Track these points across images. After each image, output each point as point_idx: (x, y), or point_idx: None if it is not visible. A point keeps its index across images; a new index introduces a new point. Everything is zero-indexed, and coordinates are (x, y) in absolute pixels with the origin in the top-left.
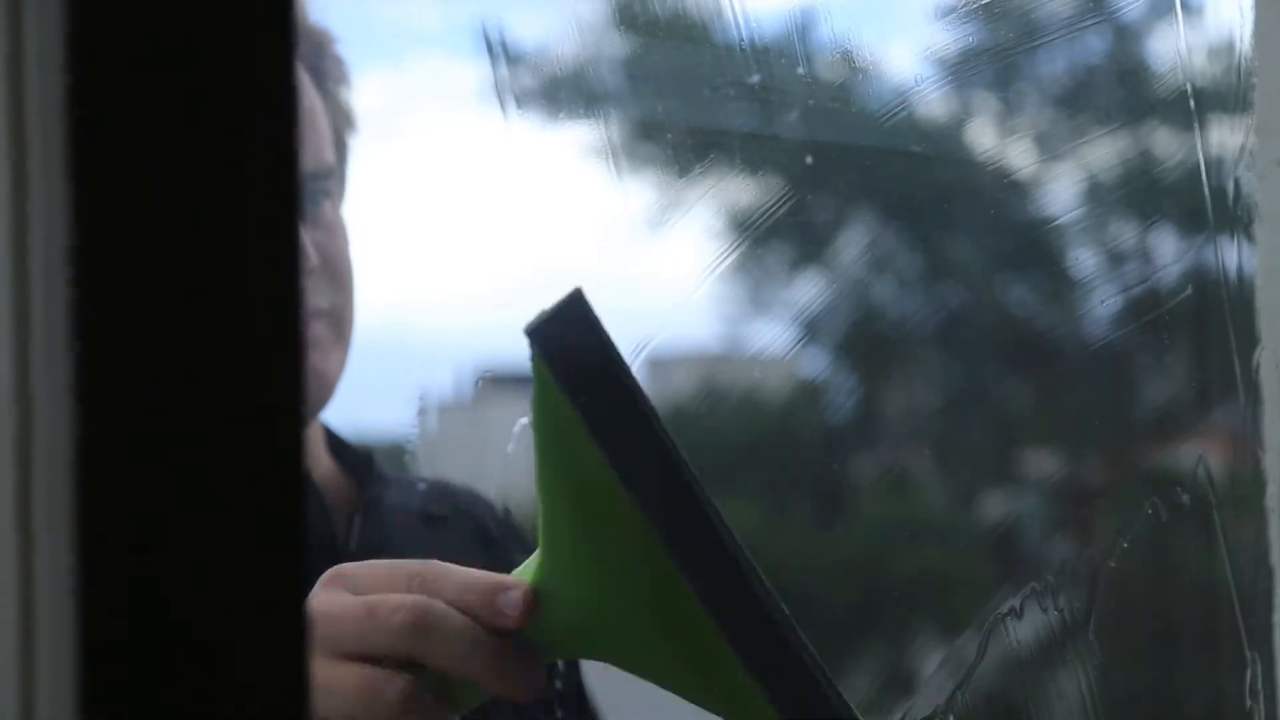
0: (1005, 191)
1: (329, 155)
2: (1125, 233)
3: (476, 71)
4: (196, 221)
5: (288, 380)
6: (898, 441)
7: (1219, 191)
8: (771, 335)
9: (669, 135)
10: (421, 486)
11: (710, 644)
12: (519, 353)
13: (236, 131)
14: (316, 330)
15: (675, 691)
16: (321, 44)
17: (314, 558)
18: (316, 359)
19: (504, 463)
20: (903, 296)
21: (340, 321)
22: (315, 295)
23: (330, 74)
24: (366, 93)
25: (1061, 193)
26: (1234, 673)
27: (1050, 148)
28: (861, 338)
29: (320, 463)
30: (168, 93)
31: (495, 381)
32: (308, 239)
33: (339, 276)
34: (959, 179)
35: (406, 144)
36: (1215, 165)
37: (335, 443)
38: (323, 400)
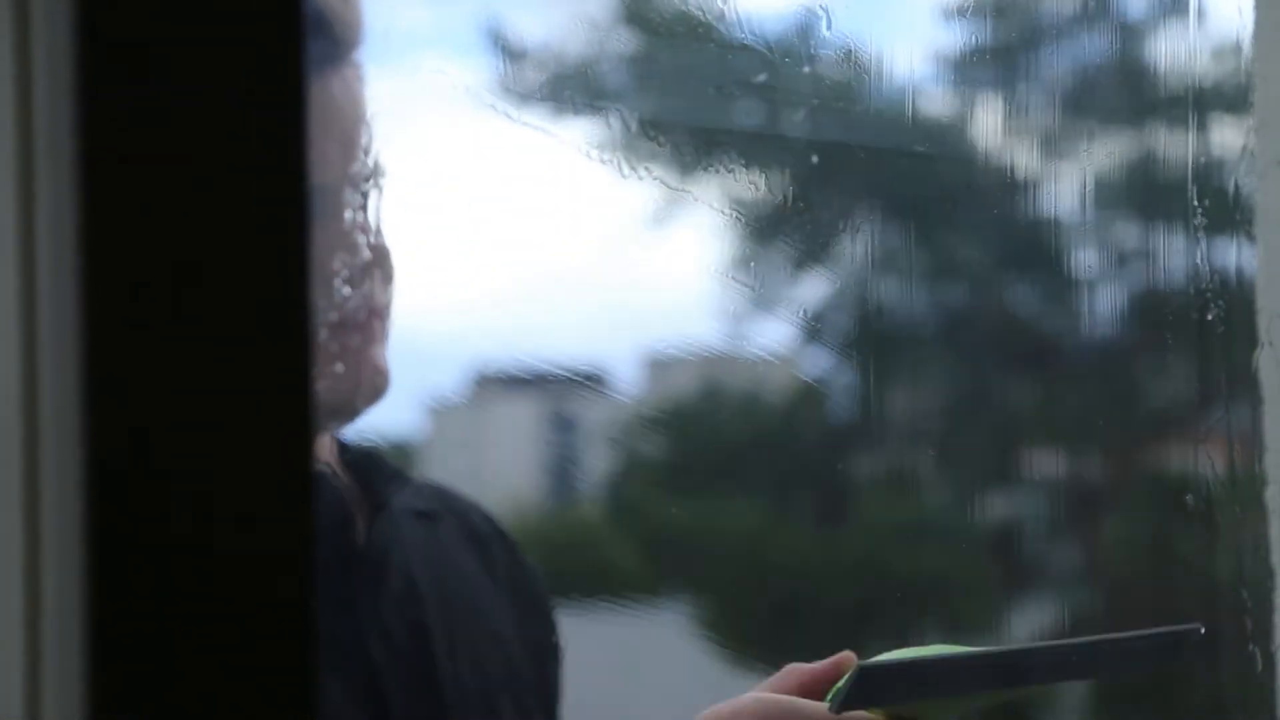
0: (1008, 191)
1: (373, 156)
2: (1127, 233)
3: (479, 70)
4: (205, 214)
5: (298, 376)
6: (901, 441)
7: (1219, 191)
8: (775, 335)
9: (673, 134)
10: (416, 484)
11: None
12: (519, 353)
13: (246, 129)
14: (375, 327)
15: None
16: (348, 45)
17: (333, 558)
18: (376, 354)
19: (504, 463)
20: (906, 296)
21: (389, 317)
22: (376, 294)
23: (352, 76)
24: (369, 94)
25: (1064, 193)
26: (1235, 672)
27: (1053, 148)
28: (865, 337)
29: (334, 468)
30: (175, 93)
31: (495, 381)
32: (361, 240)
33: (388, 274)
34: (963, 179)
35: (406, 144)
36: (1215, 165)
37: (343, 447)
38: (383, 391)
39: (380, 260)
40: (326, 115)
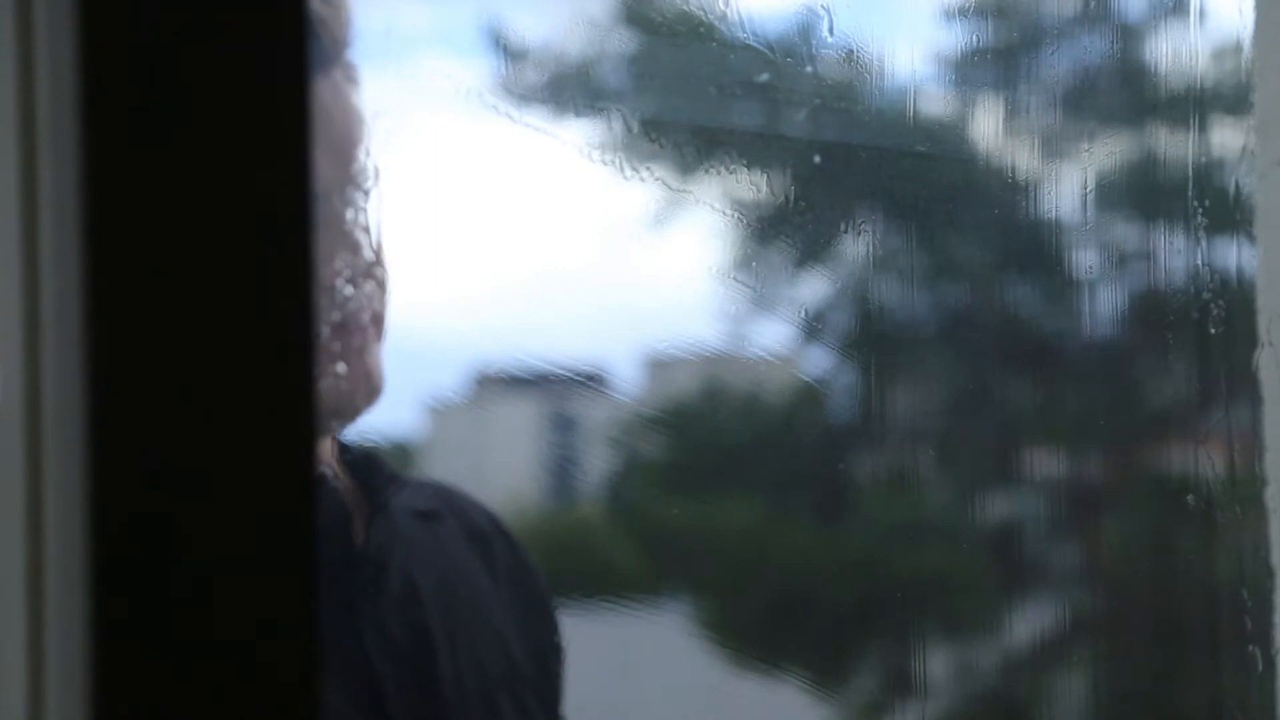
0: (1008, 192)
1: (368, 160)
2: (1127, 233)
3: (479, 71)
4: (207, 216)
5: (299, 377)
6: (901, 441)
7: (1219, 191)
8: (775, 335)
9: (674, 134)
10: (417, 484)
11: None
12: (519, 353)
13: (247, 131)
14: (369, 332)
15: None
16: (339, 43)
17: (333, 559)
18: (371, 360)
19: (504, 463)
20: (906, 296)
21: (384, 322)
22: (372, 299)
23: (346, 75)
24: (367, 94)
25: (1064, 193)
26: (1235, 672)
27: (1053, 148)
28: (865, 337)
29: (334, 469)
30: (177, 96)
31: (495, 381)
32: (364, 242)
33: (383, 280)
34: (964, 179)
35: (406, 145)
36: (1215, 165)
37: (343, 448)
38: (376, 396)
39: (375, 265)
40: (317, 122)
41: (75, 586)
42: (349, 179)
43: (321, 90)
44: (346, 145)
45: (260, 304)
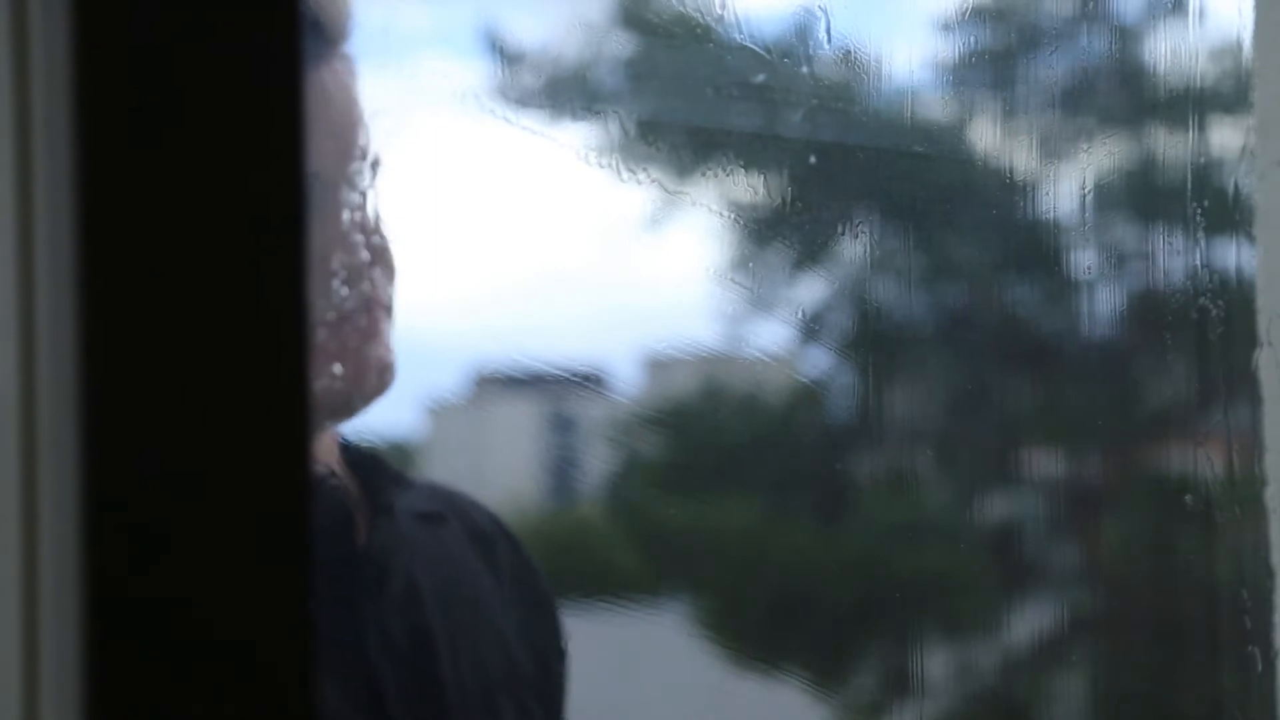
0: (1007, 192)
1: (369, 151)
2: (1126, 234)
3: (478, 71)
4: (203, 211)
5: (296, 374)
6: (901, 441)
7: (1219, 192)
8: (773, 335)
9: (671, 136)
10: (419, 486)
11: None
12: (519, 353)
13: (243, 124)
14: (379, 322)
15: None
16: (335, 39)
17: (336, 560)
18: (381, 347)
19: (504, 463)
20: (905, 297)
21: (391, 311)
22: (378, 288)
23: (345, 67)
24: (366, 92)
25: (1064, 193)
26: (1235, 672)
27: (1052, 149)
28: (864, 337)
29: (336, 469)
30: (172, 90)
31: (495, 381)
32: (362, 236)
33: (390, 269)
34: (962, 179)
35: (405, 145)
36: (1215, 165)
37: (345, 449)
38: (388, 384)
39: (381, 254)
40: (318, 107)
41: (72, 587)
42: (351, 168)
43: (322, 76)
44: (348, 132)
45: (256, 303)
